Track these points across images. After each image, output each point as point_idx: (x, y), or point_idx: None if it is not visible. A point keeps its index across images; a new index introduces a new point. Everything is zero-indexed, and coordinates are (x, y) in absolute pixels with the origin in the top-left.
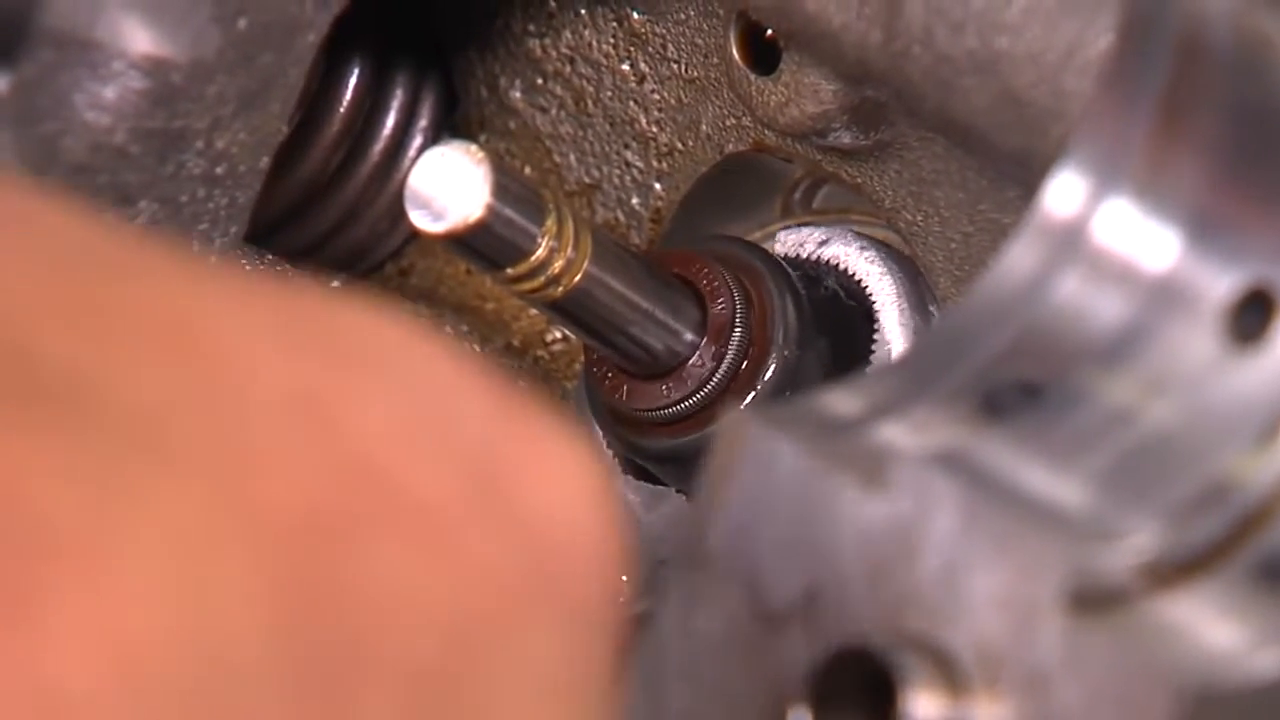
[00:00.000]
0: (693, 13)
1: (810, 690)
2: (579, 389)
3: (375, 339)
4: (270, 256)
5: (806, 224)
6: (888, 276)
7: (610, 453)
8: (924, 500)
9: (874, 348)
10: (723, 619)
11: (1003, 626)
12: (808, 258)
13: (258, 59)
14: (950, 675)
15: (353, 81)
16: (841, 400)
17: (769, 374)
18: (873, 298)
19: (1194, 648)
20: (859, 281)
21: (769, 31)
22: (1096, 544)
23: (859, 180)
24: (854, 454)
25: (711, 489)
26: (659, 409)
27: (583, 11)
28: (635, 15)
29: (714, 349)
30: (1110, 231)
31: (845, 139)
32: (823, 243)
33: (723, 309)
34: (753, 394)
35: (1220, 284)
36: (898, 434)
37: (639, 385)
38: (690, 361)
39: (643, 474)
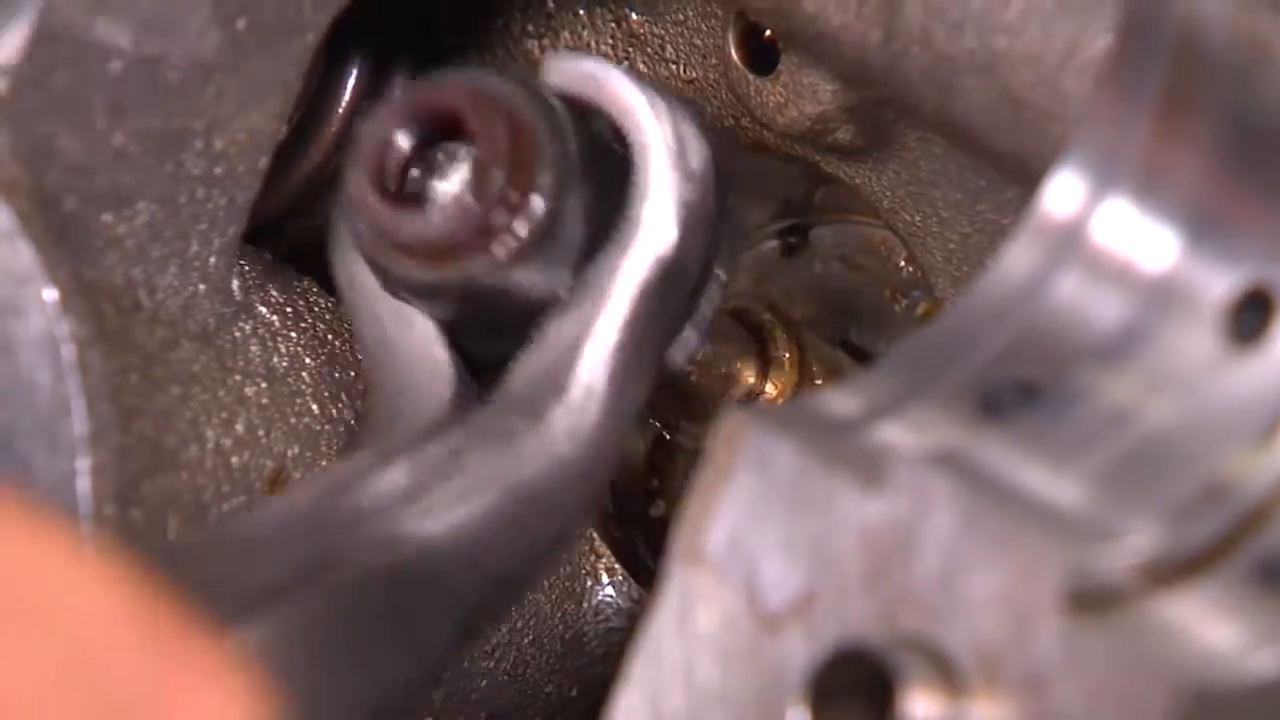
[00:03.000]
0: (691, 13)
1: (809, 690)
2: (335, 219)
3: (30, 581)
4: (269, 256)
5: (580, 54)
6: (659, 124)
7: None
8: (922, 500)
9: (630, 202)
10: (721, 619)
11: (1001, 626)
12: (580, 95)
13: (256, 59)
14: (948, 675)
15: (351, 82)
16: (840, 400)
17: (529, 215)
18: (637, 147)
19: (1192, 647)
20: (627, 129)
21: (767, 32)
22: (1095, 544)
23: (857, 180)
24: (852, 454)
25: (710, 489)
26: (417, 239)
27: (581, 12)
28: (634, 16)
29: (473, 184)
30: (1109, 232)
31: (844, 139)
32: (596, 79)
33: (485, 146)
34: (508, 236)
35: (1219, 284)
36: (896, 434)
37: (397, 214)
38: (454, 195)
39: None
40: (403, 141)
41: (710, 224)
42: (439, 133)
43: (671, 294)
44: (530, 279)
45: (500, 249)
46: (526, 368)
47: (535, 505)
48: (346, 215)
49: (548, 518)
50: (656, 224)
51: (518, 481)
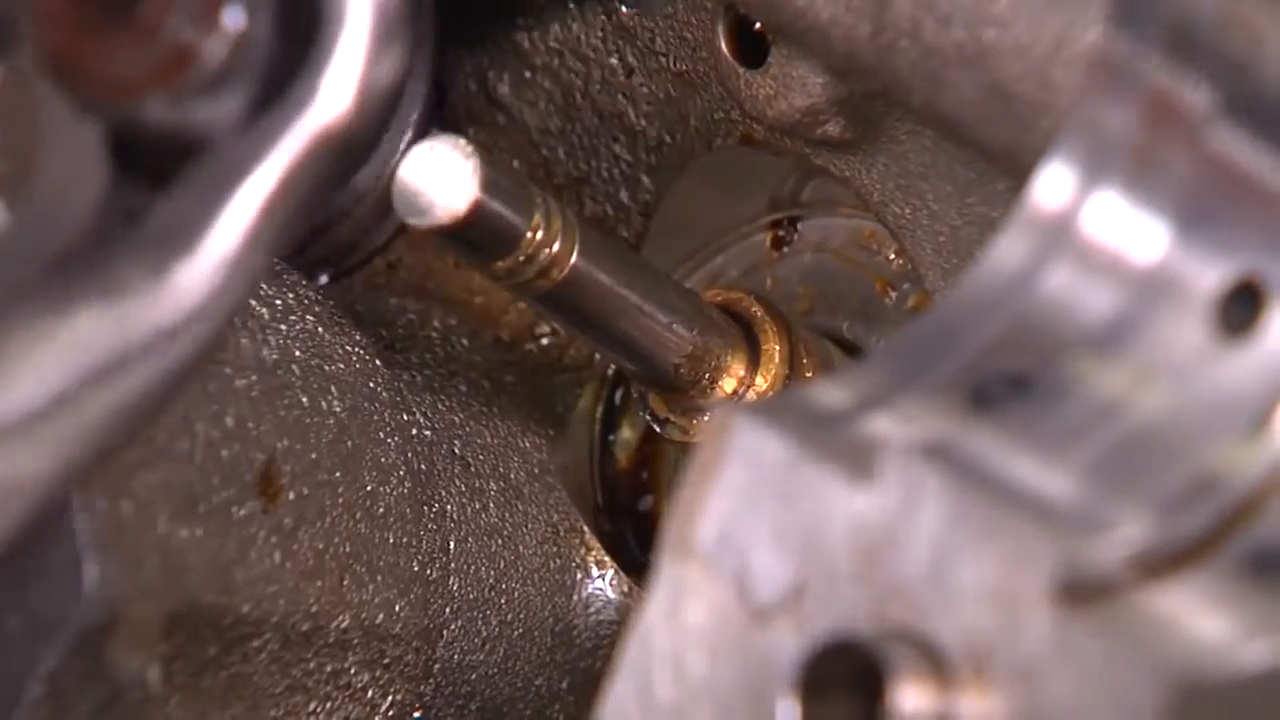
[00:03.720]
0: (681, 6)
1: (798, 682)
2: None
3: None
4: None
5: None
6: None
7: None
8: (912, 492)
9: (312, 63)
10: (711, 612)
11: (991, 618)
12: None
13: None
14: (938, 667)
15: None
16: (830, 393)
17: (223, 34)
18: (334, 5)
19: (1183, 639)
20: None
21: (757, 25)
22: (1085, 536)
23: (847, 173)
24: (842, 446)
25: (700, 482)
26: (100, 73)
27: (571, 5)
28: (623, 9)
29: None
30: (1099, 223)
31: (833, 132)
32: None
33: None
34: (199, 62)
35: (1209, 275)
36: (886, 426)
37: (95, 42)
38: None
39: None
40: None
41: (391, 99)
42: None
43: (331, 165)
44: (206, 114)
45: (191, 77)
46: (164, 212)
47: (130, 366)
48: (30, 27)
49: (143, 380)
50: (334, 95)
51: (117, 346)
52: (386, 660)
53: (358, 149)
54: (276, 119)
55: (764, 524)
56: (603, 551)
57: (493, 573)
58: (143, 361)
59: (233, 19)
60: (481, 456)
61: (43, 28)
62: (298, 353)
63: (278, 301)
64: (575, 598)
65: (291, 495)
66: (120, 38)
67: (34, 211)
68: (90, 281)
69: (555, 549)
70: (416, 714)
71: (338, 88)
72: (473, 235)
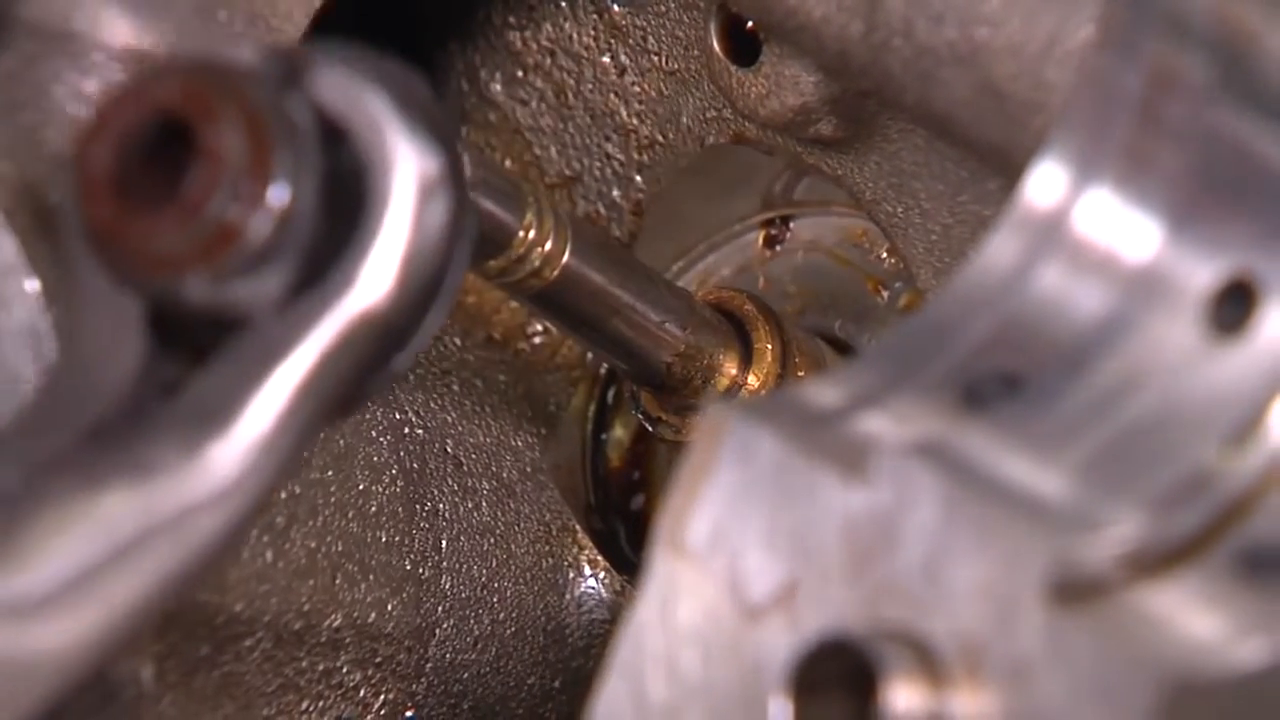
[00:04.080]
0: (673, 5)
1: (791, 681)
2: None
3: None
4: None
5: (355, 62)
6: (409, 170)
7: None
8: (905, 491)
9: (354, 246)
10: (703, 610)
11: (984, 617)
12: (335, 111)
13: None
14: (931, 666)
15: None
16: (822, 391)
17: (268, 210)
18: (377, 191)
19: (1175, 638)
20: (373, 166)
21: (749, 24)
22: (1078, 535)
23: (839, 172)
24: (835, 445)
25: (692, 480)
26: (146, 248)
27: (563, 4)
28: (616, 7)
29: (202, 180)
30: (1091, 222)
31: (826, 131)
32: (354, 99)
33: (214, 141)
34: (243, 240)
35: (1201, 274)
36: (879, 425)
37: (129, 216)
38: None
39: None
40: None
41: (433, 286)
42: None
43: (370, 349)
44: (247, 292)
45: (234, 255)
46: (199, 390)
47: (156, 546)
48: (72, 199)
49: (169, 561)
50: (375, 279)
51: (145, 525)
52: (379, 659)
53: (398, 333)
54: (316, 300)
55: (756, 523)
56: (595, 550)
57: (485, 571)
58: (171, 541)
59: (278, 196)
60: (474, 455)
61: (86, 200)
62: None
63: None
64: (567, 596)
65: (283, 494)
66: (164, 213)
67: (70, 381)
68: (122, 458)
69: (547, 548)
70: (409, 713)
71: (379, 271)
72: None
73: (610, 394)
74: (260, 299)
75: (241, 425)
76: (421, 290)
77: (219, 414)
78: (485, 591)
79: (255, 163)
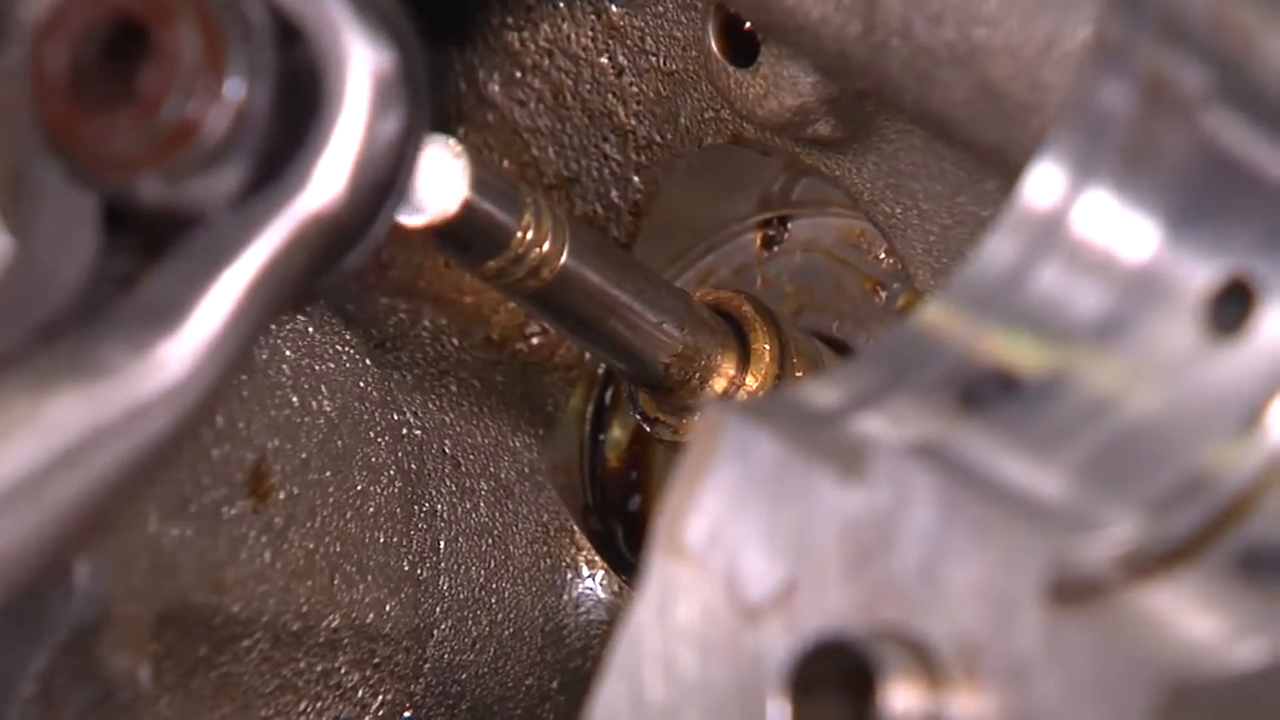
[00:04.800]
0: (671, 5)
1: (789, 681)
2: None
3: None
4: None
5: None
6: (364, 74)
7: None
8: (902, 491)
9: (307, 146)
10: (701, 611)
11: (982, 617)
12: (291, 10)
13: None
14: (929, 666)
15: None
16: (820, 392)
17: (225, 104)
18: (333, 93)
19: (1174, 638)
20: (328, 68)
21: (747, 24)
22: (1076, 535)
23: (837, 173)
24: (833, 445)
25: (690, 481)
26: (105, 150)
27: (561, 4)
28: (614, 8)
29: (160, 76)
30: (1089, 222)
31: (824, 131)
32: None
33: (169, 42)
34: (202, 134)
35: (1200, 274)
36: (876, 425)
37: (84, 119)
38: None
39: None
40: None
41: (385, 187)
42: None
43: (321, 248)
44: (201, 190)
45: (189, 154)
46: (150, 287)
47: (105, 445)
48: (27, 97)
49: (118, 460)
50: (327, 180)
51: (94, 424)
52: (377, 660)
53: (349, 234)
54: (269, 200)
55: (754, 523)
56: (593, 551)
57: (483, 572)
58: (120, 439)
59: (233, 93)
60: (472, 456)
61: (40, 98)
62: (288, 352)
63: None
64: (565, 597)
65: (282, 495)
66: (119, 113)
67: (22, 278)
68: (71, 356)
69: (545, 548)
70: (407, 713)
71: (332, 173)
72: (463, 235)
73: (608, 395)
74: (214, 198)
75: (191, 323)
76: (373, 191)
77: (169, 312)
78: (483, 592)
79: (210, 61)
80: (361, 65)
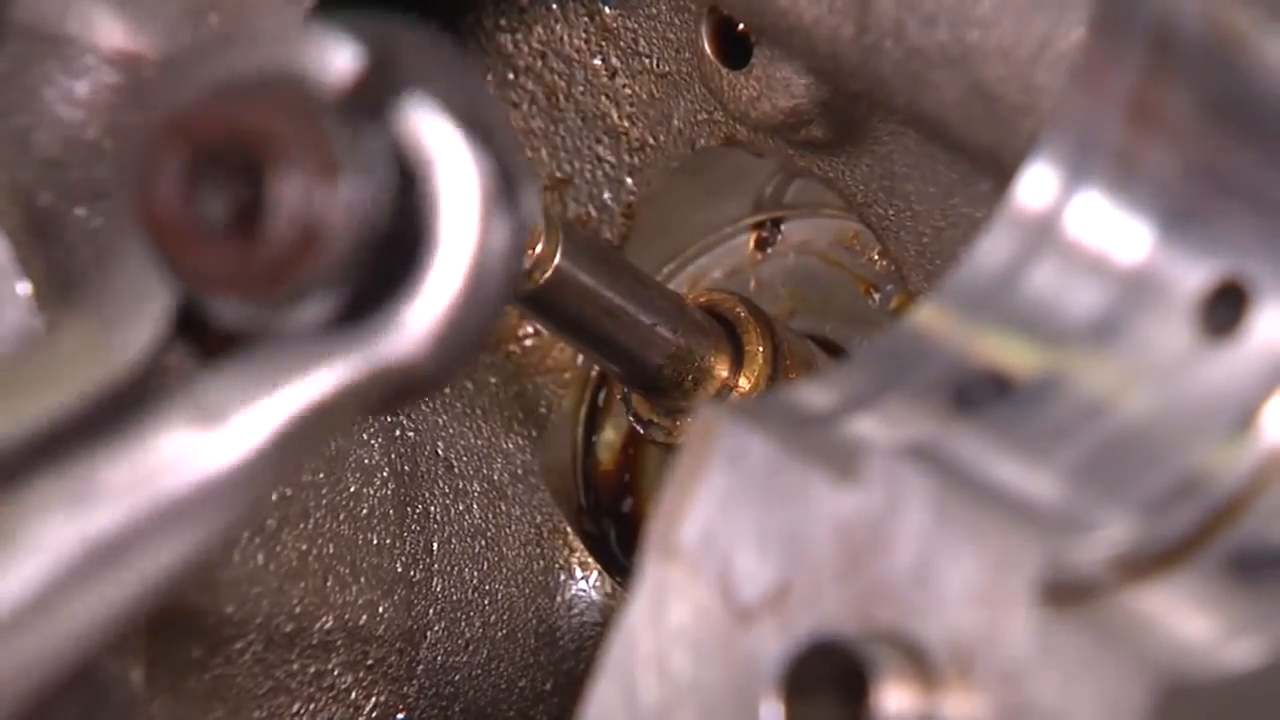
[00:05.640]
0: (664, 7)
1: (782, 683)
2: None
3: None
4: None
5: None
6: (474, 234)
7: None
8: (896, 493)
9: (400, 289)
10: (695, 612)
11: (975, 619)
12: (414, 147)
13: None
14: (922, 668)
15: None
16: (813, 394)
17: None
18: (431, 236)
19: (1167, 639)
20: (435, 219)
21: (740, 26)
22: (1070, 536)
23: (830, 175)
24: (826, 447)
25: (683, 482)
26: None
27: (554, 6)
28: (607, 10)
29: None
30: (1082, 224)
31: (817, 133)
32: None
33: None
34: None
35: (1193, 276)
36: (870, 427)
37: (198, 234)
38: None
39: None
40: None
41: (468, 351)
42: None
43: (384, 396)
44: (283, 321)
45: (283, 294)
46: (204, 389)
47: (148, 544)
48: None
49: (151, 560)
50: (408, 339)
51: (133, 515)
52: (370, 662)
53: (419, 390)
54: (343, 342)
55: (748, 525)
56: (586, 553)
57: (476, 574)
58: (156, 534)
59: (343, 234)
60: (465, 458)
61: (148, 207)
62: None
63: None
64: (559, 599)
65: (275, 496)
66: (225, 241)
67: (82, 343)
68: (118, 443)
69: (539, 550)
70: (400, 715)
71: (415, 331)
72: None
73: (601, 396)
74: (297, 326)
75: (235, 428)
76: (455, 356)
77: (216, 413)
78: (476, 594)
79: (319, 207)
80: (472, 239)
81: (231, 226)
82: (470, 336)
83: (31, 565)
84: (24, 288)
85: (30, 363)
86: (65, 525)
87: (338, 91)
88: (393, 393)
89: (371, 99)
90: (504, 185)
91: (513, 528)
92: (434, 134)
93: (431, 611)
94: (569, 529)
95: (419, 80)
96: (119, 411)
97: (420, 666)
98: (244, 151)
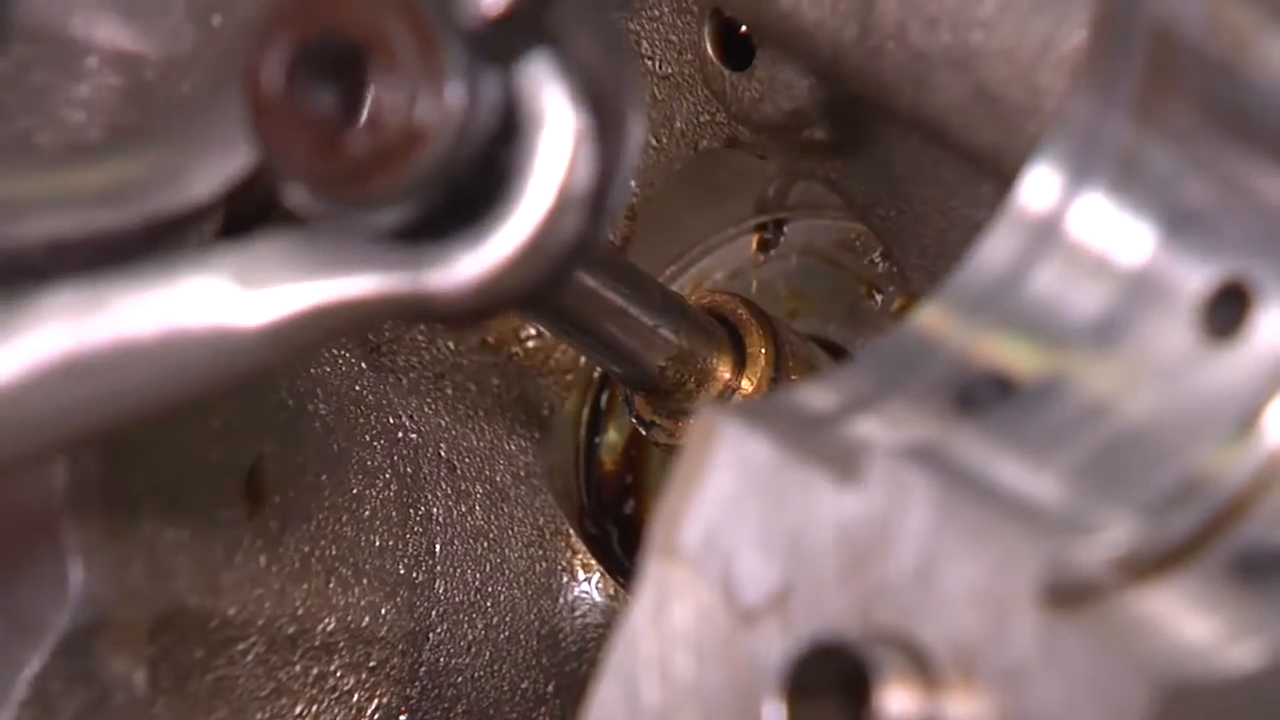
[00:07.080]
0: (667, 9)
1: (785, 685)
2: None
3: None
4: None
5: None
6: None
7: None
8: (899, 494)
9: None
10: (697, 614)
11: (978, 620)
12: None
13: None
14: (925, 670)
15: None
16: (816, 395)
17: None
18: (524, 155)
19: (1170, 641)
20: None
21: (743, 28)
22: (1072, 538)
23: (833, 176)
24: (828, 449)
25: (686, 484)
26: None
27: None
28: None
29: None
30: (1085, 225)
31: (819, 135)
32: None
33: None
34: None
35: (1195, 277)
36: (872, 428)
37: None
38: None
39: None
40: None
41: (505, 309)
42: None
43: (414, 316)
44: (354, 219)
45: (365, 201)
46: (250, 251)
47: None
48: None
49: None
50: (459, 279)
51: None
52: (372, 663)
53: (450, 323)
54: (395, 258)
55: (750, 526)
56: (588, 554)
57: (479, 576)
58: (157, 368)
59: (450, 118)
60: (467, 459)
61: (253, 76)
62: None
63: None
64: (561, 601)
65: (277, 498)
66: (321, 132)
67: (159, 162)
68: (150, 272)
69: (541, 552)
70: (402, 717)
71: (463, 276)
72: None
73: (604, 398)
74: (354, 227)
75: (265, 299)
76: (492, 308)
77: (256, 281)
78: (479, 596)
79: (416, 118)
80: (553, 195)
81: (326, 119)
82: (510, 299)
83: (13, 359)
84: None
85: (104, 168)
86: (63, 333)
87: (482, 18)
88: (424, 316)
89: (509, 39)
90: (597, 180)
91: (515, 529)
92: (550, 102)
93: (434, 613)
94: (571, 531)
95: (561, 39)
96: (163, 244)
97: (423, 668)
98: (353, 47)
